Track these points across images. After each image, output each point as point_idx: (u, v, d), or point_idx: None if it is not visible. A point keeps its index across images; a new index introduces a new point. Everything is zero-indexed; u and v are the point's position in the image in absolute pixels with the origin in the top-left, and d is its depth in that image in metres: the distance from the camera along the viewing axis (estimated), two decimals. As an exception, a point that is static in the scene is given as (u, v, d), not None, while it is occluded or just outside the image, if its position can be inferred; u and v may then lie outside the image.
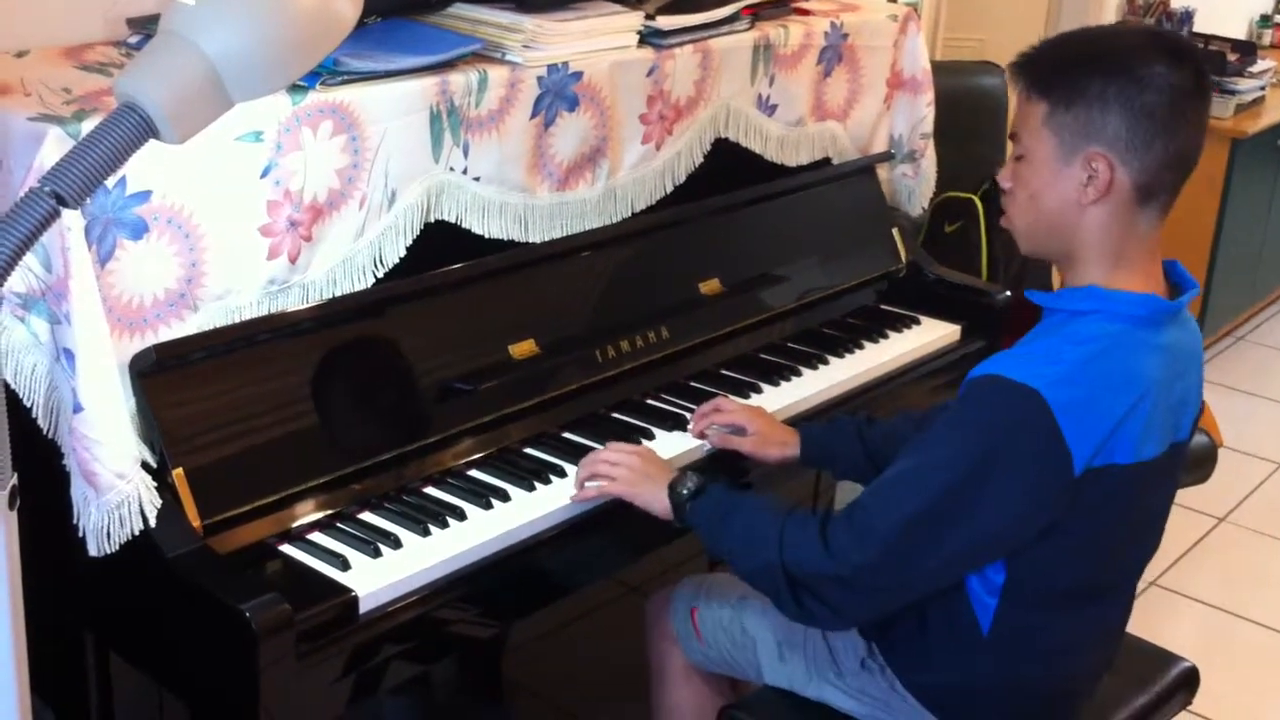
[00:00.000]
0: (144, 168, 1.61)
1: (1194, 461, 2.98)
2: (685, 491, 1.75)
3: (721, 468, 2.03)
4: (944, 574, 1.62)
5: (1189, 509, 3.59)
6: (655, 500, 1.79)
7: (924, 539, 1.56)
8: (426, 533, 1.74)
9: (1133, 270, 1.62)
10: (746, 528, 1.67)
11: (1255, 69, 4.50)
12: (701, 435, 2.04)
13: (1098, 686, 1.83)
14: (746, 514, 1.69)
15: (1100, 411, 1.53)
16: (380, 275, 1.91)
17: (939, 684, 1.72)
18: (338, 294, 1.87)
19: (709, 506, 1.73)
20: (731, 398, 2.12)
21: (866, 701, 1.79)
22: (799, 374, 2.30)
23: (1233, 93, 4.29)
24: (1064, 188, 1.60)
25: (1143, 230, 1.62)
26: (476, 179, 2.01)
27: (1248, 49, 4.59)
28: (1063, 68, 1.60)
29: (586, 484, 1.85)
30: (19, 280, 1.58)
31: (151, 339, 1.68)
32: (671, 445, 2.02)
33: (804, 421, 2.10)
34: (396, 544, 1.71)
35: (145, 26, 1.93)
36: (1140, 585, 3.24)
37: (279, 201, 1.77)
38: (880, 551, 1.56)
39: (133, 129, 1.14)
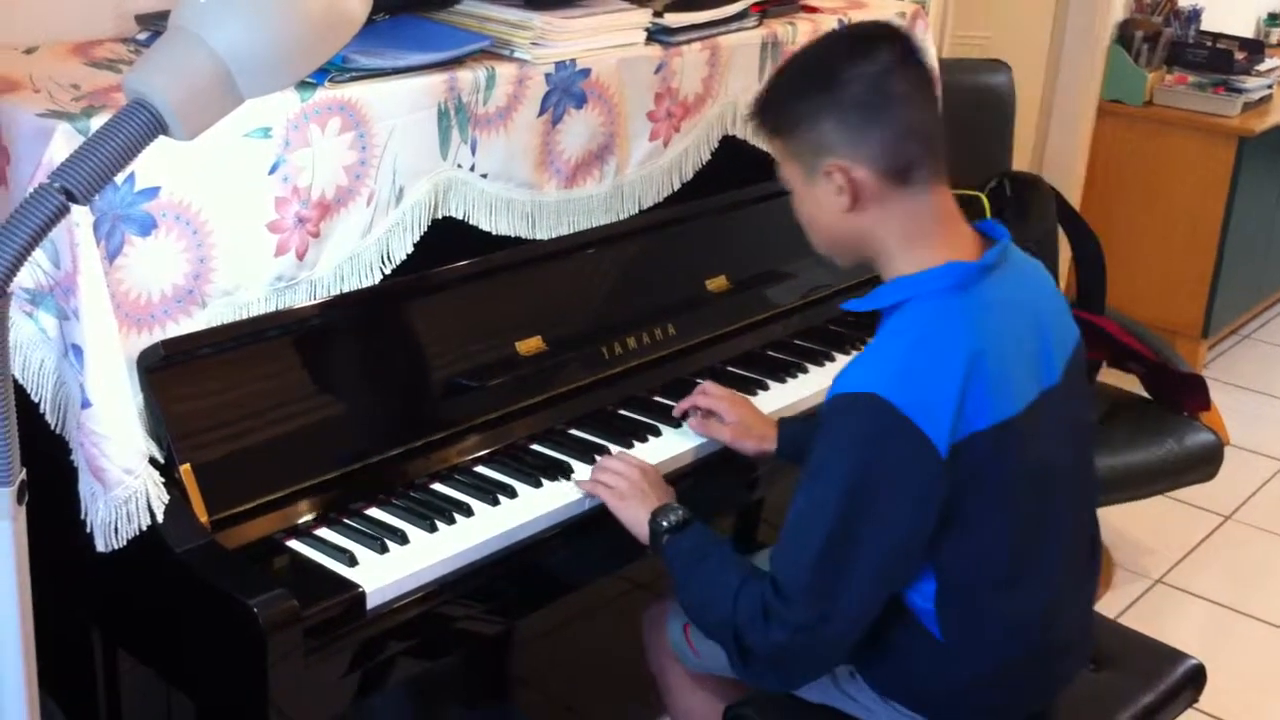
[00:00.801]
0: (153, 164, 1.61)
1: (1200, 459, 2.98)
2: (665, 524, 1.75)
3: (726, 469, 2.04)
4: (871, 598, 1.61)
5: (1195, 506, 3.59)
6: (636, 522, 1.79)
7: (835, 577, 1.56)
8: (433, 529, 1.74)
9: (929, 245, 1.63)
10: (709, 584, 1.67)
11: (1263, 67, 4.49)
12: (684, 416, 2.05)
13: (1081, 657, 1.82)
14: (711, 570, 1.68)
15: (940, 390, 1.54)
16: (388, 272, 1.92)
17: (925, 695, 1.73)
18: (345, 290, 1.87)
19: (681, 548, 1.72)
20: (715, 385, 2.12)
21: (862, 709, 1.79)
22: (805, 371, 2.30)
23: (1240, 91, 4.28)
24: (826, 205, 1.65)
25: (920, 206, 1.63)
26: (484, 176, 2.01)
27: (1255, 47, 4.58)
28: (779, 101, 1.67)
29: (584, 481, 1.87)
30: (27, 276, 1.58)
31: (159, 335, 1.68)
32: (677, 442, 2.02)
33: (788, 417, 2.11)
34: (404, 540, 1.71)
35: (154, 23, 1.94)
36: (1145, 583, 3.25)
37: (287, 198, 1.77)
38: (804, 608, 1.57)
39: (142, 125, 1.15)
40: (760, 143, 2.43)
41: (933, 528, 1.58)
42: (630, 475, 1.83)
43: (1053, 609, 1.72)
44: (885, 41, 1.63)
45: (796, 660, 1.63)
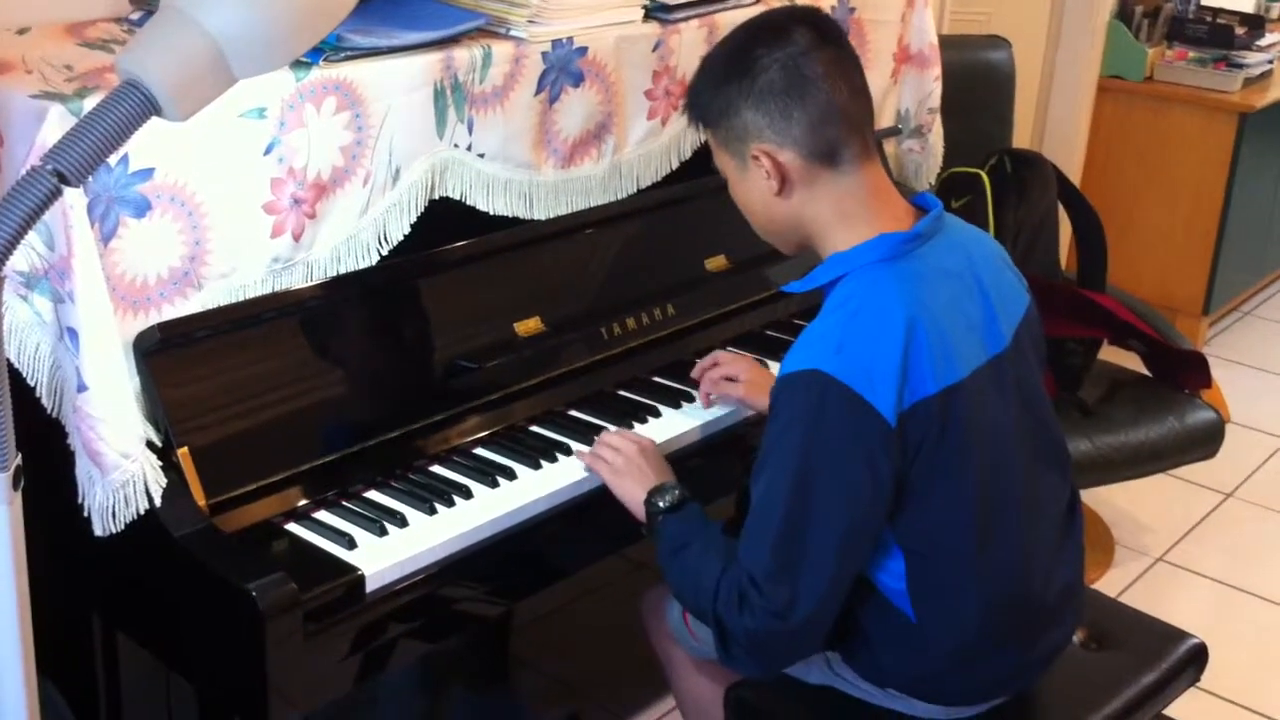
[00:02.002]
0: (146, 145, 1.60)
1: (1201, 437, 2.97)
2: (660, 504, 1.75)
3: (725, 449, 2.03)
4: (836, 578, 1.60)
5: (1196, 484, 3.59)
6: (632, 500, 1.79)
7: (797, 559, 1.56)
8: (433, 511, 1.74)
9: (862, 221, 1.64)
10: (694, 568, 1.67)
11: (1263, 42, 4.47)
12: (704, 393, 2.06)
13: (1069, 619, 1.81)
14: (698, 552, 1.68)
15: (881, 359, 1.54)
16: (385, 253, 1.91)
17: (905, 678, 1.73)
18: (342, 272, 1.86)
19: (674, 529, 1.72)
20: (730, 350, 2.13)
21: (858, 691, 1.79)
22: (806, 351, 2.29)
23: (1240, 66, 4.25)
24: (758, 191, 1.67)
25: (850, 185, 1.64)
26: (481, 155, 2.00)
27: (1256, 23, 4.56)
28: (702, 94, 1.69)
29: (585, 452, 1.87)
30: (22, 259, 1.57)
31: (155, 318, 1.67)
32: (677, 423, 2.01)
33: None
34: (403, 523, 1.70)
35: (148, 3, 1.92)
36: (1146, 561, 3.25)
37: (283, 179, 1.76)
38: (772, 593, 1.57)
39: (135, 106, 1.14)
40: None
41: (888, 499, 1.58)
42: (628, 452, 1.83)
43: (1025, 575, 1.71)
44: (799, 24, 1.64)
45: (771, 646, 1.63)
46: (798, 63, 1.61)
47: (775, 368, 2.15)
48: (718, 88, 1.66)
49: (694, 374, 2.09)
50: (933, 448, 1.58)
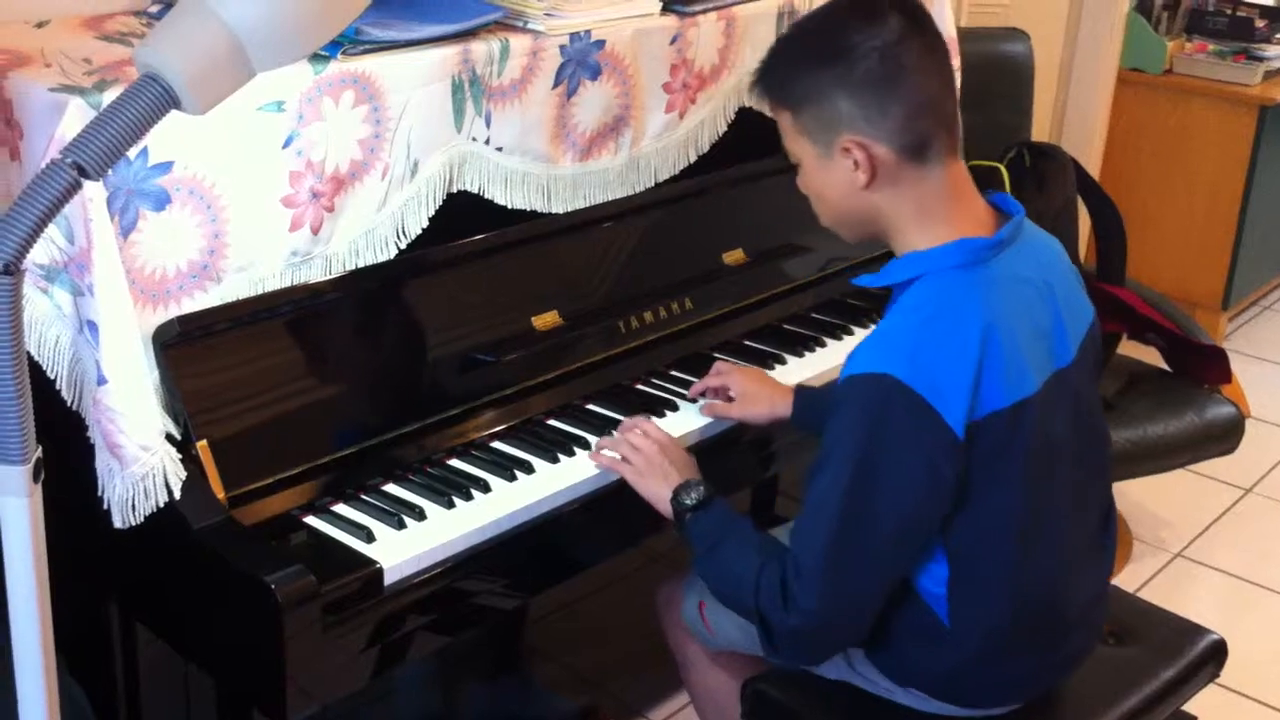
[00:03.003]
0: (166, 138, 1.60)
1: (1221, 432, 2.96)
2: (688, 501, 1.73)
3: (742, 444, 2.02)
4: (886, 576, 1.60)
5: (1215, 480, 3.57)
6: (658, 500, 1.78)
7: (849, 556, 1.55)
8: (450, 505, 1.74)
9: (943, 221, 1.61)
10: (731, 564, 1.66)
11: (1284, 35, 4.45)
12: (701, 396, 2.04)
13: (1096, 629, 1.80)
14: (733, 548, 1.67)
15: (955, 369, 1.52)
16: (403, 246, 1.91)
17: (931, 679, 1.72)
18: (360, 265, 1.86)
19: (704, 526, 1.71)
20: (728, 361, 2.11)
21: (877, 689, 1.78)
22: (823, 344, 2.29)
23: (1260, 59, 4.23)
24: (839, 181, 1.61)
25: (935, 182, 1.60)
26: (499, 149, 2.00)
27: (1276, 15, 4.53)
28: (785, 74, 1.62)
29: (604, 452, 1.86)
30: (41, 252, 1.57)
31: (174, 311, 1.67)
32: (695, 418, 2.01)
33: (805, 386, 2.09)
34: (421, 516, 1.70)
35: (166, -4, 1.93)
36: (1165, 557, 3.24)
37: (301, 172, 1.76)
38: (818, 586, 1.56)
39: (154, 100, 1.14)
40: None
41: (946, 507, 1.57)
42: (649, 451, 1.82)
43: (1060, 585, 1.71)
44: (893, 9, 1.58)
45: (815, 640, 1.63)
46: (895, 51, 1.55)
47: (780, 373, 2.16)
48: (807, 71, 1.59)
49: (692, 392, 2.05)
50: (995, 458, 1.56)
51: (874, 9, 1.58)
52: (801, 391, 2.01)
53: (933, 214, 1.61)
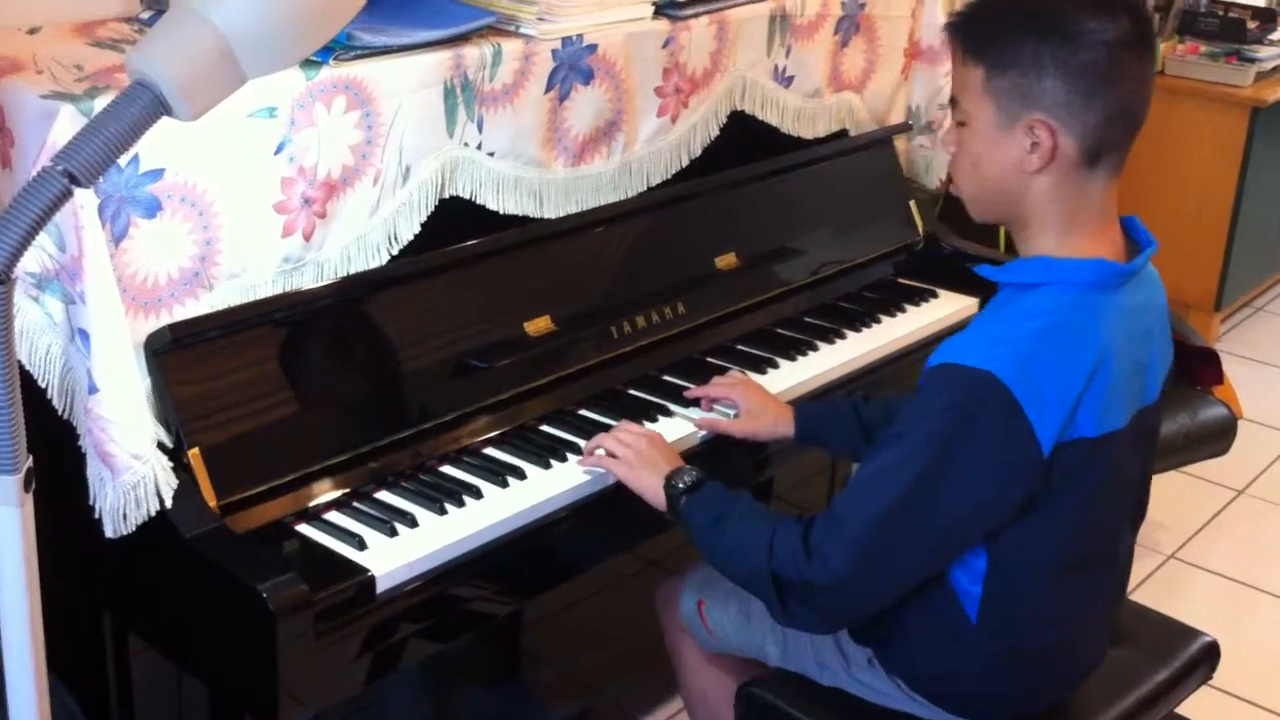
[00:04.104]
0: (157, 145, 1.59)
1: (1213, 433, 2.97)
2: (681, 485, 1.73)
3: (736, 448, 2.02)
4: (923, 566, 1.60)
5: (1208, 481, 3.57)
6: (650, 489, 1.77)
7: (898, 534, 1.54)
8: (443, 511, 1.73)
9: (1086, 235, 1.58)
10: (738, 533, 1.65)
11: (1275, 36, 4.44)
12: (697, 402, 2.04)
13: (1103, 654, 1.81)
14: (739, 519, 1.66)
15: (1060, 385, 1.50)
16: (395, 252, 1.90)
17: (941, 680, 1.71)
18: (352, 271, 1.86)
19: (702, 506, 1.71)
20: (731, 373, 2.10)
21: (876, 696, 1.78)
22: (815, 349, 2.28)
23: (1252, 60, 4.24)
24: (1007, 155, 1.56)
25: (1094, 192, 1.57)
26: (491, 154, 2.00)
27: (1268, 16, 4.53)
28: (996, 30, 1.55)
29: (589, 458, 1.86)
30: (33, 260, 1.57)
31: (166, 318, 1.67)
32: (687, 423, 2.01)
33: (805, 399, 2.09)
34: (413, 523, 1.70)
35: (158, 2, 1.92)
36: (1158, 559, 3.24)
37: (293, 178, 1.75)
38: (857, 553, 1.54)
39: (145, 106, 1.13)
40: (769, 118, 2.43)
41: (1006, 520, 1.56)
42: (637, 445, 1.82)
43: (1091, 614, 1.72)
44: (1128, 12, 1.53)
45: (836, 602, 1.60)
46: (1120, 52, 1.51)
47: (772, 377, 2.16)
48: (1025, 35, 1.52)
49: (689, 394, 2.05)
50: (1068, 484, 1.55)
51: (1112, 4, 1.53)
52: (802, 408, 2.01)
53: (1079, 224, 1.58)
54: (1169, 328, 1.71)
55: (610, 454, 1.84)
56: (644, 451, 1.81)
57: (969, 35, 1.58)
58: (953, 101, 1.63)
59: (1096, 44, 1.50)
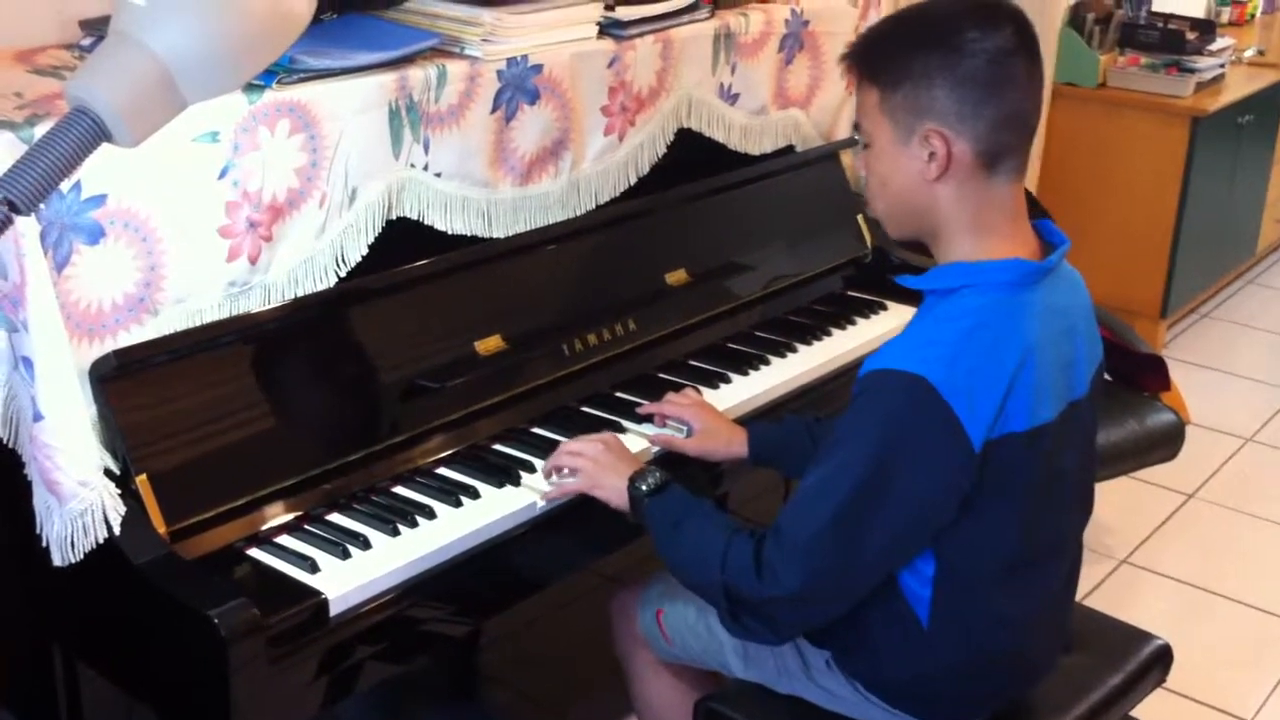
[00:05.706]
0: (99, 171, 1.58)
1: (1162, 439, 3.00)
2: (645, 487, 1.74)
3: (691, 463, 2.03)
4: (873, 571, 1.62)
5: (1158, 486, 3.61)
6: (614, 492, 1.78)
7: (844, 542, 1.56)
8: (396, 532, 1.73)
9: (997, 237, 1.62)
10: (694, 541, 1.67)
11: (1214, 47, 4.52)
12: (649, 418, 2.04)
13: (1055, 656, 1.82)
14: (696, 526, 1.68)
15: (986, 384, 1.53)
16: (343, 274, 1.90)
17: (897, 683, 1.73)
18: (299, 294, 1.85)
19: (664, 509, 1.72)
20: (687, 391, 2.10)
21: (836, 701, 1.78)
22: (767, 363, 2.30)
23: (1192, 71, 4.30)
24: (909, 168, 1.60)
25: (999, 195, 1.61)
26: (438, 175, 1.99)
27: (1207, 27, 4.61)
28: (887, 52, 1.62)
29: (550, 482, 1.85)
30: (-26, 288, 1.55)
31: (111, 345, 1.66)
32: (640, 439, 2.01)
33: (755, 419, 2.10)
34: (366, 545, 1.69)
35: (98, 28, 1.91)
36: (1110, 564, 3.27)
37: (238, 202, 1.75)
38: (807, 565, 1.57)
39: (85, 133, 1.13)
40: (716, 135, 2.44)
41: (951, 514, 1.58)
42: (592, 451, 1.82)
43: (1042, 610, 1.74)
44: (1011, 20, 1.58)
45: (789, 615, 1.62)
46: (1004, 60, 1.56)
47: (724, 391, 2.16)
48: (913, 51, 1.58)
49: (641, 410, 2.05)
50: (1003, 480, 1.58)
51: (993, 15, 1.58)
52: (755, 429, 2.02)
53: (988, 228, 1.62)
54: (1095, 325, 1.74)
55: (571, 471, 1.83)
56: (602, 456, 1.82)
57: (863, 60, 1.64)
58: (856, 127, 1.68)
59: (979, 52, 1.55)
